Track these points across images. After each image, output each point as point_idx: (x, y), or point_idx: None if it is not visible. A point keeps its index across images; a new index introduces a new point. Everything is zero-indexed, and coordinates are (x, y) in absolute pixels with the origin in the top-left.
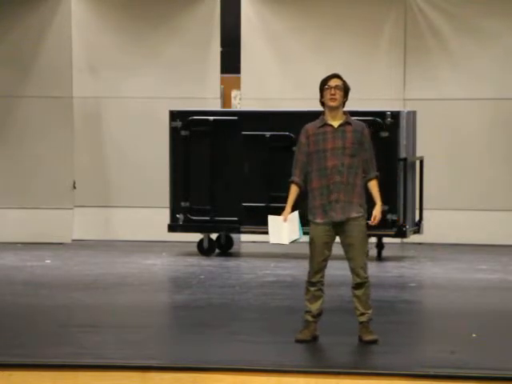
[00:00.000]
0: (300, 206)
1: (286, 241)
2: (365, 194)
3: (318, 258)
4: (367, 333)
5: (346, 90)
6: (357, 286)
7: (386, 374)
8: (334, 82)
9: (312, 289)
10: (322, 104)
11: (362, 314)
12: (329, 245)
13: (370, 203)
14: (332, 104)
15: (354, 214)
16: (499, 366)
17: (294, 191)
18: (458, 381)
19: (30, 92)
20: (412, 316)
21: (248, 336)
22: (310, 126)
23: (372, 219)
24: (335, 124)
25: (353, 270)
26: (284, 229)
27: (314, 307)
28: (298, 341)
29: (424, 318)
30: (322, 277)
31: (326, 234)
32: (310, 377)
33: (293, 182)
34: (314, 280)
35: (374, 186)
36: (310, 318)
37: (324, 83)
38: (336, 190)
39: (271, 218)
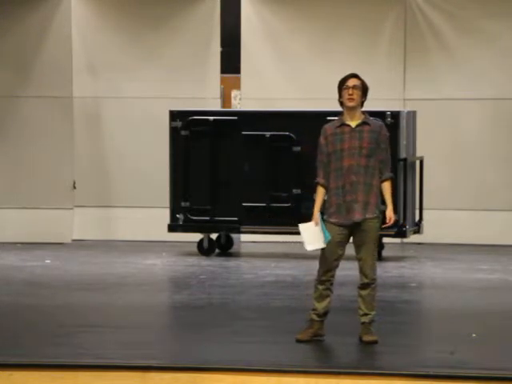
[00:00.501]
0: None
1: (322, 244)
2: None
3: (330, 257)
4: (368, 334)
5: (364, 89)
6: (363, 286)
7: (386, 373)
8: (351, 82)
9: (321, 287)
10: (341, 104)
11: (365, 315)
12: (342, 244)
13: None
14: (350, 104)
15: (371, 215)
16: (499, 366)
17: (320, 192)
18: (458, 381)
19: (30, 92)
20: (412, 316)
21: (248, 336)
22: (329, 126)
23: (388, 220)
24: (353, 124)
25: (361, 270)
26: (317, 233)
27: (321, 306)
28: (298, 341)
29: (424, 318)
30: (333, 276)
31: (341, 234)
32: (309, 377)
33: (318, 183)
34: (324, 278)
35: (387, 187)
36: (315, 317)
37: (342, 83)
38: (352, 191)
39: (303, 226)
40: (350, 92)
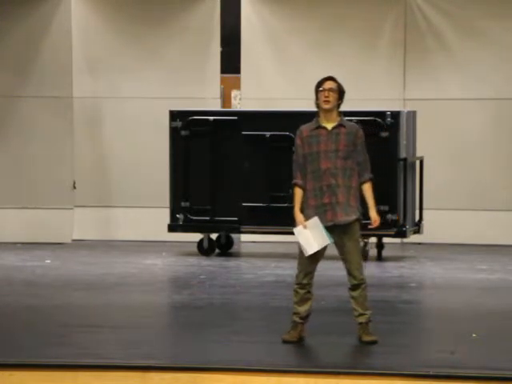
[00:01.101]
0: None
1: (316, 247)
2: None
3: (310, 261)
4: (366, 334)
5: (340, 92)
6: (353, 288)
7: (386, 373)
8: (328, 85)
9: (301, 291)
10: (317, 106)
11: (361, 315)
12: (321, 250)
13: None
14: (325, 106)
15: (353, 216)
16: (499, 366)
17: (298, 193)
18: (457, 381)
19: (30, 92)
20: (412, 316)
21: (248, 336)
22: (305, 128)
23: (373, 222)
24: (329, 126)
25: (349, 272)
26: (309, 236)
27: (303, 309)
28: (285, 341)
29: (424, 318)
30: (312, 279)
31: (331, 237)
32: (309, 377)
33: (295, 184)
34: (304, 282)
35: (367, 189)
36: (297, 320)
37: (318, 86)
38: (330, 193)
39: (297, 231)
40: (326, 94)
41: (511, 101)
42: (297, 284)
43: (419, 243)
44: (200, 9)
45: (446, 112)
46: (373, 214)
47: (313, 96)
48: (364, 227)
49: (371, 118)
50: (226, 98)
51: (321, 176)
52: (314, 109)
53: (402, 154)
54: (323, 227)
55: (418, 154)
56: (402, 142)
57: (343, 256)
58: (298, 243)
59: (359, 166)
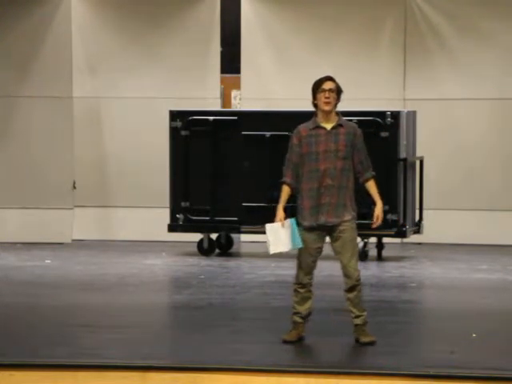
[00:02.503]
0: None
1: (285, 248)
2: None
3: (308, 260)
4: (364, 335)
5: (338, 92)
6: (349, 289)
7: (386, 374)
8: (328, 85)
9: (302, 290)
10: (315, 106)
11: (357, 317)
12: (319, 247)
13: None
14: (326, 108)
15: (348, 217)
16: (499, 365)
17: (285, 192)
18: (457, 381)
19: (30, 92)
20: (412, 316)
21: (248, 336)
22: (303, 128)
23: (375, 219)
24: (328, 126)
25: (345, 273)
26: (282, 235)
27: (303, 308)
28: (286, 342)
29: (424, 318)
30: (312, 278)
31: (317, 237)
32: (309, 377)
33: (284, 182)
34: (304, 282)
35: (372, 186)
36: (298, 319)
37: (317, 86)
38: (327, 193)
39: (269, 227)
40: (327, 95)
41: (511, 101)
42: (297, 284)
43: (419, 243)
44: (200, 9)
45: (446, 112)
46: (377, 210)
47: None
48: (365, 227)
49: (371, 117)
50: (225, 98)
51: (319, 176)
52: (314, 108)
53: (402, 154)
54: (297, 231)
55: (418, 154)
56: (402, 142)
57: (339, 256)
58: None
59: (361, 165)
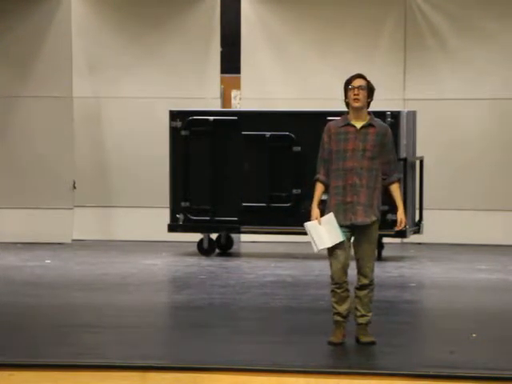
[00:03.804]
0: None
1: (329, 244)
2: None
3: (340, 259)
4: (365, 335)
5: (370, 89)
6: (361, 288)
7: (386, 373)
8: (357, 83)
9: (339, 291)
10: (347, 104)
11: (362, 316)
12: (348, 245)
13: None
14: (356, 105)
15: (373, 218)
16: (499, 366)
17: (319, 189)
18: (457, 381)
19: (30, 92)
20: (412, 316)
21: (248, 336)
22: (333, 125)
23: (398, 224)
24: (358, 125)
25: (360, 271)
26: (323, 232)
27: (343, 308)
28: (332, 344)
29: (424, 318)
30: (346, 276)
31: (345, 235)
32: (309, 377)
33: (318, 180)
34: (340, 281)
35: (395, 190)
36: (340, 319)
37: (348, 83)
38: (354, 192)
39: (309, 225)
40: (356, 92)
41: (511, 101)
42: (333, 284)
43: (419, 243)
44: (200, 9)
45: (446, 112)
46: (400, 215)
47: (313, 96)
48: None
49: None
50: (225, 98)
51: (345, 174)
52: (315, 109)
53: (402, 154)
54: (337, 224)
55: (418, 154)
56: (402, 141)
57: (358, 255)
58: (310, 239)
59: (388, 166)
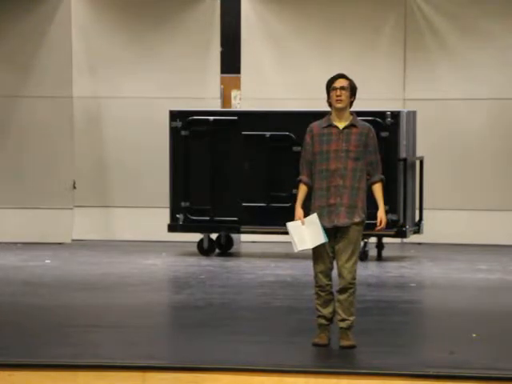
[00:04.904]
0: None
1: (310, 245)
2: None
3: (323, 261)
4: (345, 338)
5: (352, 89)
6: (341, 290)
7: (386, 373)
8: (339, 83)
9: (322, 293)
10: (329, 104)
11: (343, 320)
12: (331, 247)
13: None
14: (338, 105)
15: (357, 219)
16: (499, 366)
17: (302, 190)
18: (457, 381)
19: (30, 92)
20: (412, 316)
21: (248, 336)
22: (316, 126)
23: (378, 223)
24: (341, 125)
25: (339, 273)
26: (305, 232)
27: (328, 311)
28: (317, 345)
29: (424, 318)
30: (331, 279)
31: (329, 237)
32: (309, 377)
33: (301, 181)
34: (322, 284)
35: (378, 190)
36: (324, 322)
37: (330, 84)
38: (337, 194)
39: (291, 225)
40: (338, 93)
41: (511, 101)
42: (317, 286)
43: (419, 243)
44: (200, 9)
45: (446, 112)
46: (381, 214)
47: (313, 96)
48: (370, 227)
49: (371, 117)
50: (225, 98)
51: (329, 176)
52: (315, 109)
53: (402, 154)
54: (321, 225)
55: (418, 154)
56: (402, 141)
57: (339, 256)
58: (291, 239)
59: (370, 167)
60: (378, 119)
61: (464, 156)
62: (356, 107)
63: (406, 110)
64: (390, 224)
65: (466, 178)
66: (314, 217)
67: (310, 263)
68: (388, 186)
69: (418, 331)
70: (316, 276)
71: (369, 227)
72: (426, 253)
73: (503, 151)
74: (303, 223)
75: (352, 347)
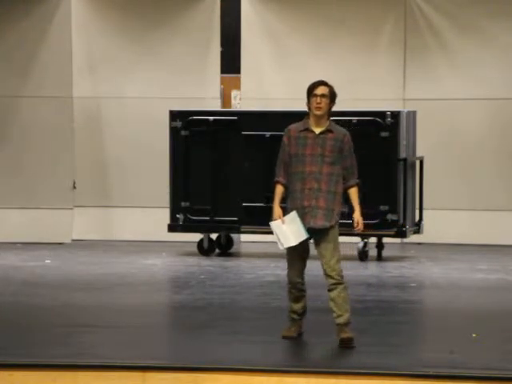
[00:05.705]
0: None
1: (294, 242)
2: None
3: (296, 261)
4: (343, 331)
5: (332, 96)
6: (331, 289)
7: (386, 373)
8: (320, 90)
9: (293, 290)
10: (309, 108)
11: (339, 316)
12: (306, 247)
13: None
14: (317, 113)
15: (333, 222)
16: (499, 365)
17: (279, 191)
18: (457, 381)
19: (30, 92)
20: (412, 316)
21: (248, 336)
22: (293, 128)
23: (355, 225)
24: (317, 130)
25: (325, 272)
26: (288, 230)
27: (299, 307)
28: (285, 337)
29: (424, 318)
30: (303, 278)
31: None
32: (309, 377)
33: (278, 182)
34: (296, 281)
35: (353, 193)
36: (295, 317)
37: (311, 90)
38: (312, 197)
39: (274, 224)
40: (319, 101)
41: (511, 101)
42: (289, 284)
43: (419, 243)
44: (200, 9)
45: (446, 112)
46: (356, 215)
47: None
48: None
49: (371, 117)
50: (225, 98)
51: (304, 179)
52: None
53: (402, 154)
54: (301, 222)
55: (418, 154)
56: (402, 141)
57: (321, 258)
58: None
59: (346, 171)
60: (378, 119)
61: (464, 156)
62: (356, 107)
63: (406, 110)
64: (390, 224)
65: (466, 178)
66: (293, 214)
67: (309, 263)
68: (388, 186)
69: (418, 331)
70: (288, 274)
71: (367, 227)
72: (425, 253)
73: (503, 151)
74: (283, 222)
75: (350, 339)
